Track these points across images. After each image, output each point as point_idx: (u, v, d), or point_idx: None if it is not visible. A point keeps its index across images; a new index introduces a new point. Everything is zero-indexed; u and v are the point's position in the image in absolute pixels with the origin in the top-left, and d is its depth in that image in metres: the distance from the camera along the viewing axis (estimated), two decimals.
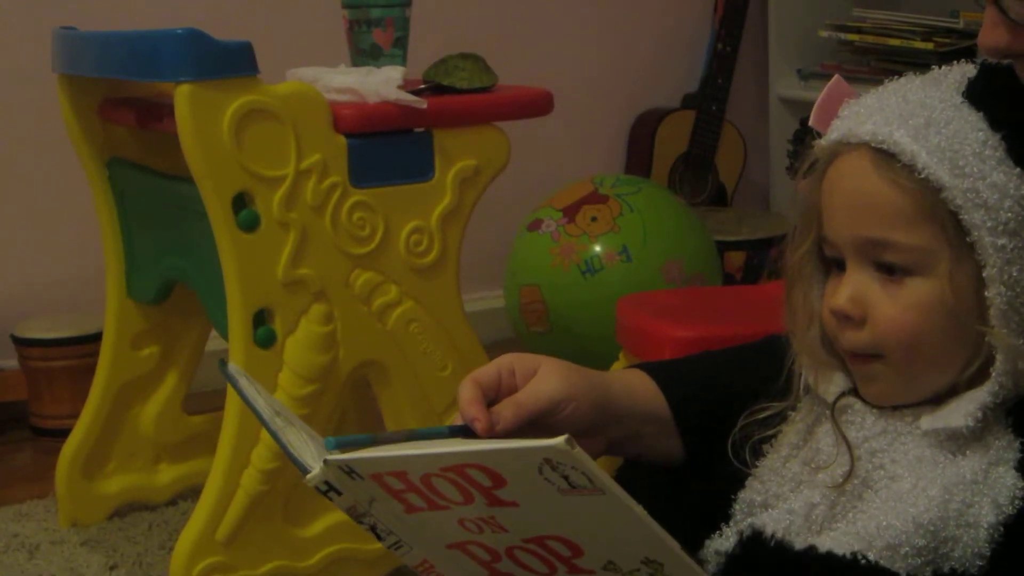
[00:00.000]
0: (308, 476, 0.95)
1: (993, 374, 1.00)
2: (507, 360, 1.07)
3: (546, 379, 1.06)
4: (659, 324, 1.98)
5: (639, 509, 0.88)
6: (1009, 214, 0.98)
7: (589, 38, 3.41)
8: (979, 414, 1.00)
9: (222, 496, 1.84)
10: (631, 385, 1.14)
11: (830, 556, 0.97)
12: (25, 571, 2.09)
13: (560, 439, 0.84)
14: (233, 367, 1.06)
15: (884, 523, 0.98)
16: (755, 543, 1.02)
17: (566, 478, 0.86)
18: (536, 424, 1.05)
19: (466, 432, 1.02)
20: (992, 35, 0.98)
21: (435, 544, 0.99)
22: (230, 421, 1.84)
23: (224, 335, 1.87)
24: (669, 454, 1.15)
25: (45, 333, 2.65)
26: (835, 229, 1.04)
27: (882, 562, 0.96)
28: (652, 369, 1.16)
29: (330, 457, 0.94)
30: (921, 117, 1.00)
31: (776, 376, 1.11)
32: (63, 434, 2.29)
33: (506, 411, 1.03)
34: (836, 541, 0.99)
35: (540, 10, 3.34)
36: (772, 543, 1.01)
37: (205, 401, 2.36)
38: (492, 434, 1.02)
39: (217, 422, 1.90)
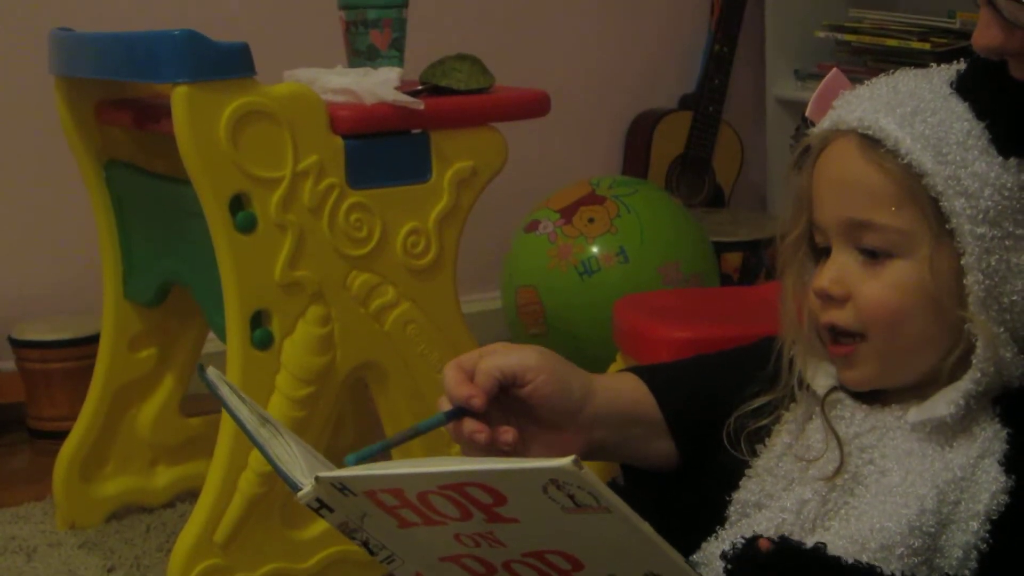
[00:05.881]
0: (299, 494, 0.93)
1: (974, 362, 1.01)
2: (490, 346, 1.09)
3: (521, 348, 1.08)
4: (656, 325, 1.98)
5: (646, 526, 0.87)
6: (989, 202, 0.99)
7: (586, 39, 3.41)
8: (961, 402, 1.01)
9: (220, 498, 1.83)
10: (616, 387, 1.14)
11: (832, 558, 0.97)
12: (23, 574, 2.08)
13: (567, 460, 0.83)
14: (213, 372, 1.04)
15: (878, 525, 0.98)
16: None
17: (571, 497, 0.85)
18: (508, 396, 1.06)
19: (459, 414, 1.03)
20: (986, 35, 0.98)
21: (428, 557, 0.98)
22: (228, 423, 1.84)
23: (221, 337, 1.87)
24: (661, 457, 1.15)
25: (42, 335, 2.65)
26: (822, 212, 1.06)
27: (878, 563, 0.97)
28: (641, 372, 1.17)
29: (322, 474, 0.92)
30: (909, 106, 1.02)
31: (770, 376, 1.12)
32: (60, 436, 2.29)
33: (480, 375, 1.04)
34: (830, 543, 0.98)
35: (537, 11, 3.33)
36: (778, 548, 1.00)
37: (202, 403, 2.35)
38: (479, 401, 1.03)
39: (215, 424, 1.90)
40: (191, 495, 2.25)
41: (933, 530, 0.97)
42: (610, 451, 1.14)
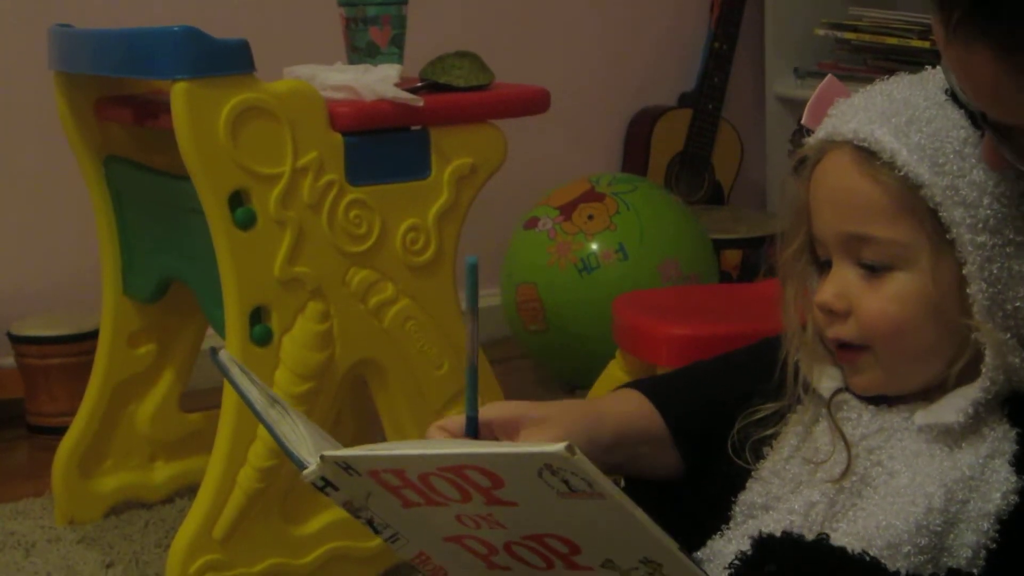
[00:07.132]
0: (305, 472, 0.95)
1: (984, 370, 1.00)
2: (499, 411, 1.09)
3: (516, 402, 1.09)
4: (656, 323, 1.98)
5: (640, 513, 0.88)
6: (988, 211, 0.99)
7: (586, 36, 3.41)
8: (970, 410, 1.00)
9: (219, 494, 1.83)
10: (621, 410, 1.14)
11: (842, 551, 0.97)
12: (22, 569, 2.09)
13: (560, 446, 0.84)
14: (225, 355, 1.05)
15: (884, 522, 0.98)
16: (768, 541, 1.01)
17: (566, 482, 0.86)
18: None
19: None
20: (992, 160, 0.98)
21: (432, 537, 0.99)
22: (227, 419, 1.84)
23: (221, 333, 1.87)
24: (667, 469, 1.15)
25: (42, 331, 2.65)
26: (821, 226, 1.06)
27: (884, 561, 0.96)
28: (642, 386, 1.17)
29: (327, 453, 0.94)
30: (904, 115, 1.01)
31: (769, 378, 1.11)
32: (59, 432, 2.29)
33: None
34: (837, 541, 0.98)
35: (537, 8, 3.33)
36: (785, 540, 1.00)
37: (202, 399, 2.36)
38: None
39: (214, 420, 1.90)
40: (190, 491, 2.25)
41: (940, 529, 0.97)
42: (618, 469, 1.14)
